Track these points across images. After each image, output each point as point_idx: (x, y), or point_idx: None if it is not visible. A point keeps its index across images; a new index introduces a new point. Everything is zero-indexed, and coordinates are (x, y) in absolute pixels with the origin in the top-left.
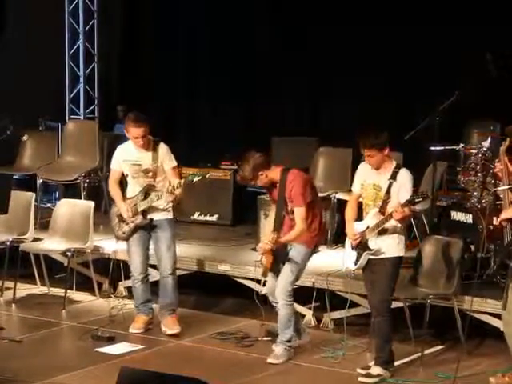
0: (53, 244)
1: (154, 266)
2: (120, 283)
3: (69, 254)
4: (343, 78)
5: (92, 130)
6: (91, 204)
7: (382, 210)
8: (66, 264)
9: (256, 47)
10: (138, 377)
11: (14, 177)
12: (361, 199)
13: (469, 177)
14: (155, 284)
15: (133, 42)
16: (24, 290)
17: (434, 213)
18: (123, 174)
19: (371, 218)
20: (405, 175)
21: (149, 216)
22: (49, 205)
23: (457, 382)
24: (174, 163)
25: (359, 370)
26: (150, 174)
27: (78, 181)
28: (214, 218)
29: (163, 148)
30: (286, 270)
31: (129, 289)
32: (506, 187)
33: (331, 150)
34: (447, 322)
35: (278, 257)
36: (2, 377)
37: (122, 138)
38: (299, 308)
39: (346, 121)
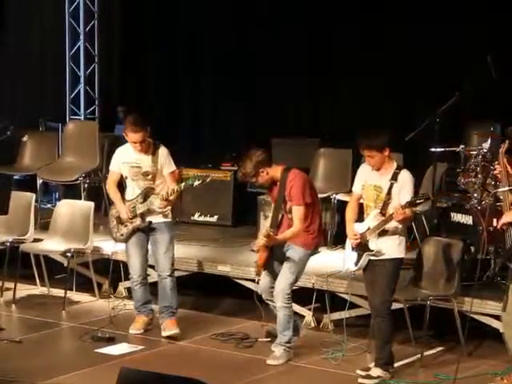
0: (53, 244)
1: (153, 267)
2: (120, 284)
3: (69, 254)
4: (343, 78)
5: (92, 131)
6: (91, 205)
7: (382, 211)
8: (65, 265)
9: (256, 47)
10: (137, 377)
11: (15, 177)
12: (361, 200)
13: (469, 178)
14: (155, 285)
15: (133, 43)
16: (24, 290)
17: (434, 214)
18: (122, 176)
19: (372, 219)
20: (406, 176)
21: (147, 219)
22: (49, 205)
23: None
24: (173, 168)
25: (359, 372)
26: (150, 177)
27: (78, 181)
28: (215, 218)
29: (163, 152)
30: (286, 272)
31: (129, 289)
32: (506, 189)
33: (331, 151)
34: (447, 324)
35: (276, 256)
36: (2, 377)
37: (123, 139)
38: (298, 309)
39: (346, 121)
